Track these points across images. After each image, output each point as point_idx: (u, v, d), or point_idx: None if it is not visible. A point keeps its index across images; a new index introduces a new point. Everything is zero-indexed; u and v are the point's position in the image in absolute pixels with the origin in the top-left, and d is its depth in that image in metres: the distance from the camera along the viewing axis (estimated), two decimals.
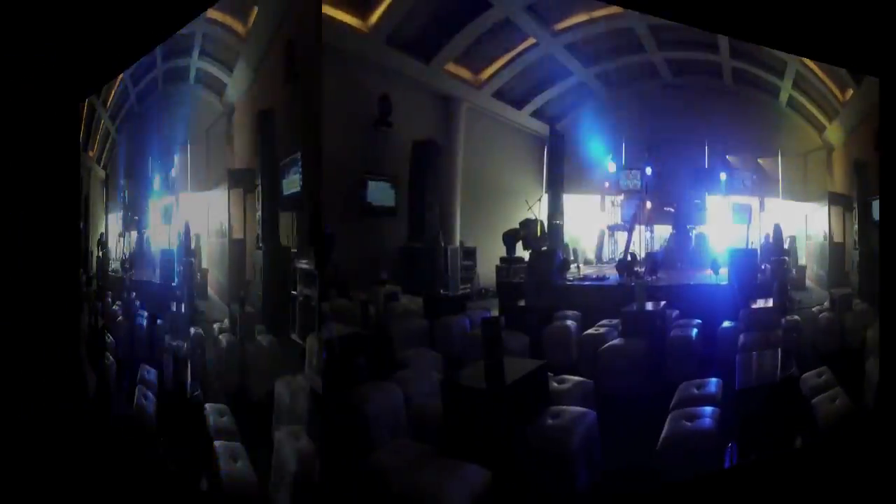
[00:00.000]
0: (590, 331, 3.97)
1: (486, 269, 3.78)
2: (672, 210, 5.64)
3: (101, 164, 5.80)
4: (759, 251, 5.69)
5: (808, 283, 7.30)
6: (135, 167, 5.16)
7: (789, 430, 5.54)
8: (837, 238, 6.68)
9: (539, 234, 3.86)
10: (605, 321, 4.12)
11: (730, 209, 5.94)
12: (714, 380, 4.76)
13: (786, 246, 6.26)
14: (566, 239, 4.50)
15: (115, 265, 5.41)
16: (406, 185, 3.15)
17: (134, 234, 5.24)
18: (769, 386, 5.43)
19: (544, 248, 3.92)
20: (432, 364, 3.03)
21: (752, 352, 5.25)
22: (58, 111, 5.19)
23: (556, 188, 4.24)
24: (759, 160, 6.36)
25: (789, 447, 5.37)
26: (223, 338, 3.73)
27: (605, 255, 5.59)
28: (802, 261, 7.75)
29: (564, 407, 3.42)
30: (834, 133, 7.22)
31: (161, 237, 4.61)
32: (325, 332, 2.48)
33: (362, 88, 2.87)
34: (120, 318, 5.20)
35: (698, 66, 5.53)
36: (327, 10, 2.62)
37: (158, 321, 4.54)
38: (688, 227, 5.64)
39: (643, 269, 4.51)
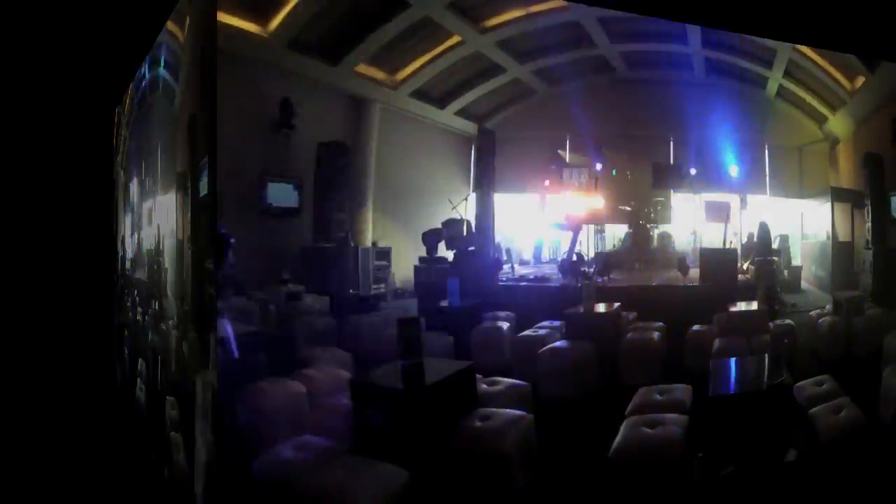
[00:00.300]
0: (526, 332, 4.16)
1: (406, 269, 4.11)
2: (629, 209, 5.78)
3: (122, 167, 6.44)
4: (739, 251, 5.79)
5: (805, 285, 7.08)
6: (133, 171, 5.83)
7: (780, 440, 5.60)
8: (843, 237, 6.66)
9: (465, 234, 4.16)
10: (545, 323, 4.29)
11: (702, 207, 6.06)
12: (681, 386, 4.81)
13: (775, 245, 6.30)
14: (498, 239, 4.80)
15: (128, 264, 6.28)
16: (311, 186, 3.54)
17: (136, 235, 6.05)
18: (753, 394, 5.52)
19: (471, 249, 4.25)
20: (341, 363, 3.32)
21: (731, 357, 5.37)
22: (93, 116, 5.87)
23: (485, 187, 4.50)
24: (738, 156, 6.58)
25: (779, 459, 5.42)
26: (174, 334, 4.19)
27: (546, 255, 5.94)
28: (797, 261, 7.80)
29: (496, 409, 3.64)
30: (839, 124, 7.11)
31: (148, 239, 5.32)
32: (220, 329, 2.80)
33: (262, 92, 3.23)
34: (130, 314, 6.06)
35: (661, 58, 5.65)
36: (223, 17, 2.99)
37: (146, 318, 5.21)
38: (648, 226, 5.79)
39: (592, 270, 4.77)
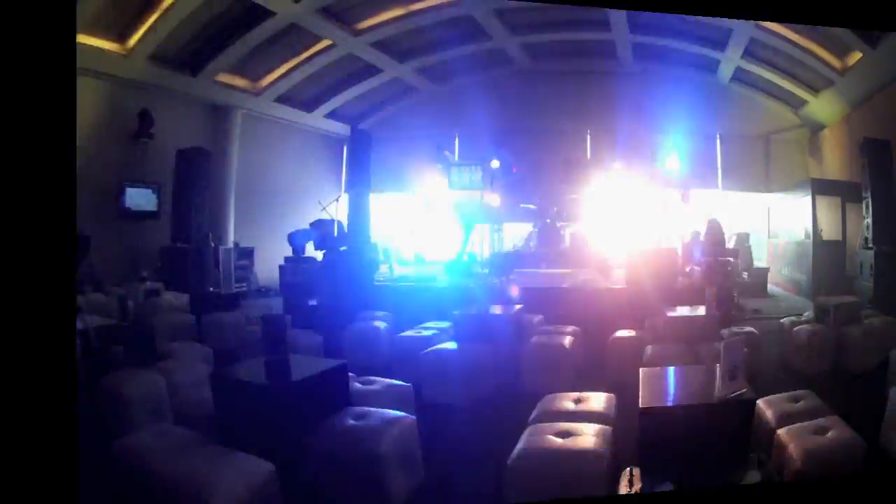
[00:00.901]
0: (408, 333, 5.08)
1: (273, 269, 5.39)
2: (533, 207, 6.96)
3: None
4: (679, 251, 6.69)
5: (774, 288, 8.10)
6: None
7: (739, 460, 6.29)
8: (828, 235, 7.51)
9: (336, 234, 5.41)
10: (430, 323, 5.27)
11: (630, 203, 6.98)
12: (602, 394, 5.45)
13: (730, 244, 7.29)
14: (374, 239, 5.99)
15: None
16: (171, 190, 4.97)
17: None
18: (701, 406, 6.22)
19: (343, 249, 5.37)
20: (200, 357, 4.46)
21: (668, 366, 6.08)
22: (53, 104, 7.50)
23: (359, 188, 5.74)
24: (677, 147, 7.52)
25: (737, 479, 6.10)
26: None
27: (430, 255, 7.05)
28: (761, 262, 8.73)
29: (371, 409, 3.91)
30: (824, 107, 8.26)
31: None
32: (78, 322, 4.10)
33: (121, 105, 4.66)
34: None
35: (575, 47, 6.81)
36: (83, 38, 4.45)
37: None
38: (559, 224, 6.91)
39: (487, 270, 5.75)
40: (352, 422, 3.82)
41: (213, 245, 5.18)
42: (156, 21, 4.78)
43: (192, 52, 5.18)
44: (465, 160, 6.67)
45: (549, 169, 6.91)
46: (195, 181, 5.20)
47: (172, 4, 4.73)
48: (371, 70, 6.14)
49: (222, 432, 3.77)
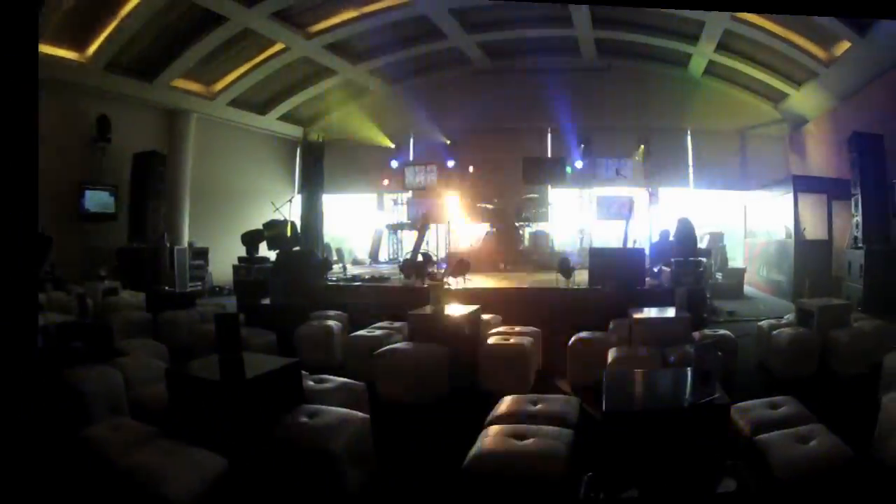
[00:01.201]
0: (361, 332, 5.66)
1: (227, 269, 6.18)
2: (490, 206, 7.72)
3: None
4: (646, 251, 7.35)
5: (751, 290, 8.94)
6: None
7: (711, 467, 6.57)
8: (814, 233, 8.15)
9: (290, 234, 6.25)
10: (383, 323, 5.95)
11: (592, 203, 7.97)
12: (564, 396, 4.83)
13: (702, 244, 7.84)
14: (328, 239, 6.85)
15: None
16: (128, 192, 5.96)
17: None
18: (669, 411, 6.43)
19: (296, 249, 6.09)
20: (156, 354, 5.20)
21: (634, 368, 5.69)
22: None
23: (312, 188, 6.61)
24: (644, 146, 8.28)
25: (709, 488, 6.45)
26: None
27: (385, 255, 7.82)
28: (736, 262, 9.42)
29: (324, 407, 4.32)
30: (807, 101, 9.22)
31: None
32: (40, 319, 4.93)
33: (81, 111, 5.59)
34: None
35: (534, 45, 7.64)
36: (45, 48, 5.35)
37: None
38: (517, 224, 7.68)
39: (442, 270, 6.38)
40: (305, 419, 4.10)
41: (168, 245, 6.19)
42: (113, 30, 5.69)
43: (148, 59, 6.14)
44: (423, 160, 7.58)
45: (508, 168, 7.69)
46: (151, 183, 6.26)
47: (128, 14, 5.61)
48: (324, 72, 7.10)
49: (177, 427, 4.08)
